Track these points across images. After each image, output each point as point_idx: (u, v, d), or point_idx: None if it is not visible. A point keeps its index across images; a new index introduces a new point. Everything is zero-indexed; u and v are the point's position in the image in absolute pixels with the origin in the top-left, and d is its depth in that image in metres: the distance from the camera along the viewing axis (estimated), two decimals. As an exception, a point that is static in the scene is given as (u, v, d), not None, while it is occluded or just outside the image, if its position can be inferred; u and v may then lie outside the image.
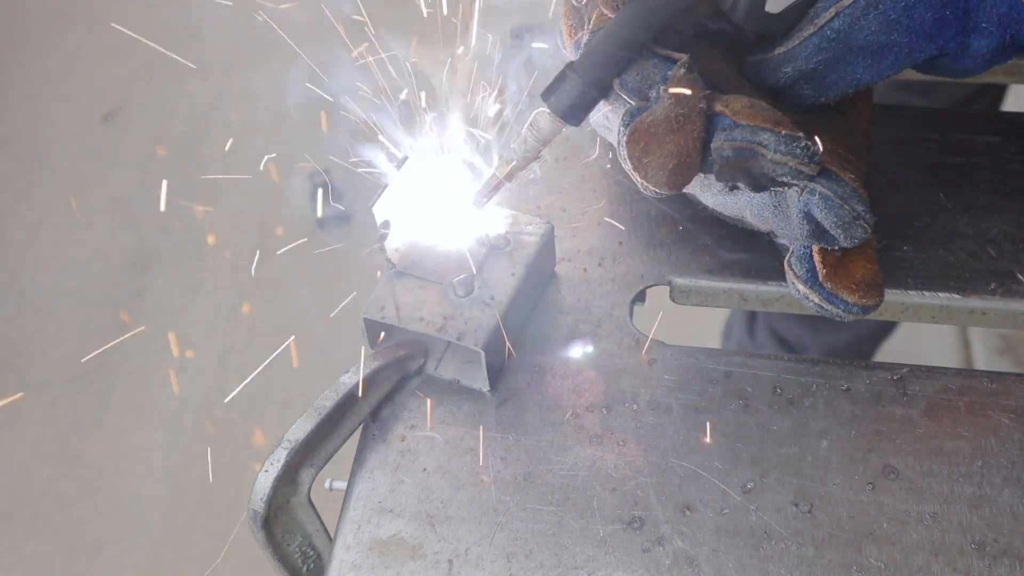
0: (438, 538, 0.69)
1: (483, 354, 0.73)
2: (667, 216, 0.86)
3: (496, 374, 0.76)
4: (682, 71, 0.68)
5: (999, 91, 1.66)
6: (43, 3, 3.39)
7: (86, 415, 2.42)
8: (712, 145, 0.68)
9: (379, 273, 0.78)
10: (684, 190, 0.76)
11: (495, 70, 0.81)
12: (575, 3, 0.77)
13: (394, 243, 0.77)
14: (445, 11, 0.85)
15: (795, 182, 0.67)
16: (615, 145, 0.69)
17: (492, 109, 0.81)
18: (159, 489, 2.27)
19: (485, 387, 0.76)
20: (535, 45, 0.84)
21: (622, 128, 0.68)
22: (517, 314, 0.78)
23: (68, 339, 2.56)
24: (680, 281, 0.83)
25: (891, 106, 0.94)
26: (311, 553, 0.74)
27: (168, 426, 2.37)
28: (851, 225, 0.68)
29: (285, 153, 2.16)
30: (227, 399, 2.38)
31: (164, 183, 2.63)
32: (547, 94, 0.72)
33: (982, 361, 2.24)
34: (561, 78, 0.71)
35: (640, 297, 0.83)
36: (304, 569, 0.74)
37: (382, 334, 0.76)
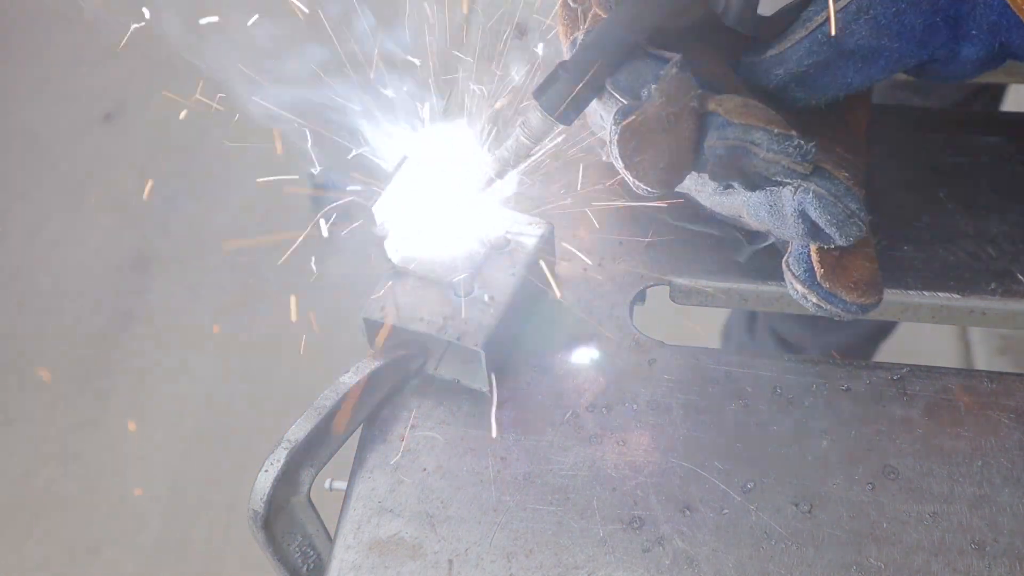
0: (438, 538, 0.69)
1: (483, 354, 0.73)
2: (667, 216, 0.86)
3: (496, 374, 0.76)
4: (674, 70, 0.68)
5: (999, 91, 1.66)
6: (43, 3, 3.39)
7: (86, 415, 2.42)
8: (705, 143, 0.68)
9: (379, 271, 0.78)
10: (681, 190, 0.77)
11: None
12: (571, 3, 0.77)
13: (394, 243, 0.77)
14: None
15: (789, 181, 0.68)
16: (607, 144, 0.69)
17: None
18: (159, 489, 2.27)
19: (485, 387, 0.76)
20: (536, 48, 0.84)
21: (613, 127, 0.68)
22: (517, 314, 0.78)
23: (68, 339, 2.56)
24: (680, 281, 0.83)
25: (891, 106, 0.95)
26: (311, 553, 0.74)
27: (168, 426, 2.37)
28: (846, 223, 0.68)
29: (285, 154, 2.16)
30: (227, 399, 2.39)
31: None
32: (539, 93, 0.72)
33: (982, 361, 2.24)
34: (553, 77, 0.71)
35: (640, 297, 0.83)
36: (304, 569, 0.74)
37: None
